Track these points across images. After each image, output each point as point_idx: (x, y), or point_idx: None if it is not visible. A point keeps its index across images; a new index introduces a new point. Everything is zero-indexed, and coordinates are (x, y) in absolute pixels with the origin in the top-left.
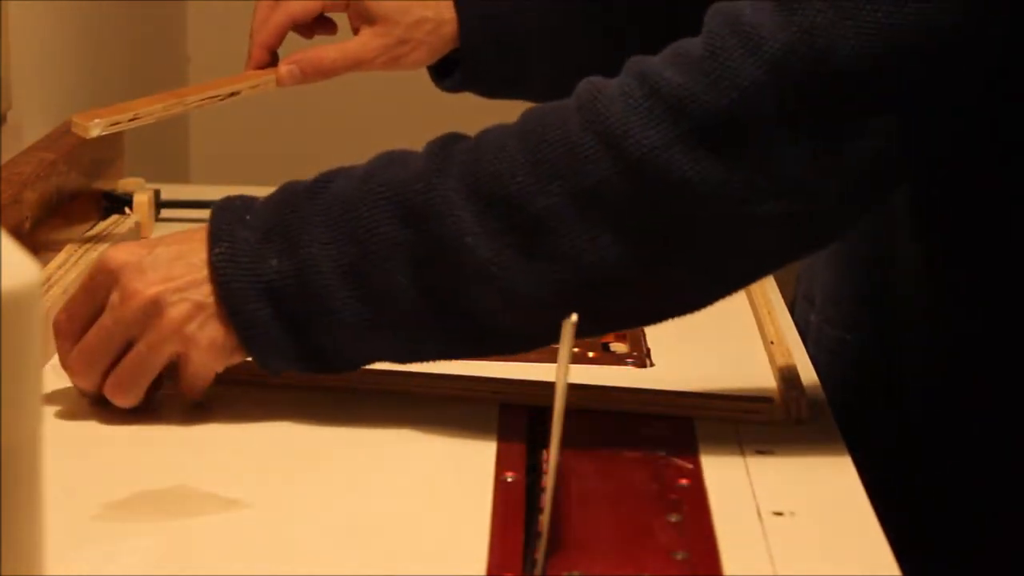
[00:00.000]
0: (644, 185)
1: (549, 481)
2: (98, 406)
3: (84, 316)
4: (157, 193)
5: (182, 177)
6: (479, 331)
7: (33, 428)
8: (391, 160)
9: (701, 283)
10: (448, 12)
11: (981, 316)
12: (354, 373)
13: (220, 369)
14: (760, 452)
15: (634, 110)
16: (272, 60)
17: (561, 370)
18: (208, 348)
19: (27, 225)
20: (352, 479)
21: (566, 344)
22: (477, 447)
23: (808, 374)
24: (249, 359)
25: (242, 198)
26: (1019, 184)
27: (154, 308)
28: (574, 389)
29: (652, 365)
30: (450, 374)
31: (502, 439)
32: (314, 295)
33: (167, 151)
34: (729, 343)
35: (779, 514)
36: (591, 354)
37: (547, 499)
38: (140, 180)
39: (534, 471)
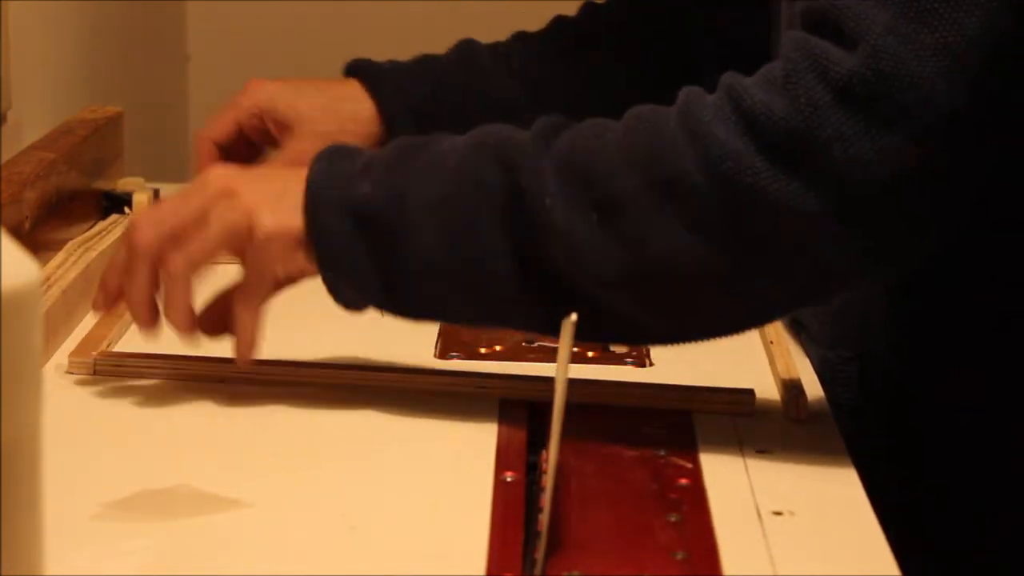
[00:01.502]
0: (721, 186)
1: (549, 481)
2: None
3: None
4: (157, 193)
5: (182, 177)
6: (547, 296)
7: (33, 427)
8: (503, 125)
9: (763, 293)
10: (363, 99)
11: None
12: (354, 373)
13: (281, 275)
14: (760, 452)
15: (722, 118)
16: None
17: (561, 370)
18: (281, 248)
19: (27, 225)
20: (352, 479)
21: (566, 344)
22: (477, 447)
23: (808, 374)
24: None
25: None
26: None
27: (237, 199)
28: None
29: (651, 364)
30: (450, 371)
31: (502, 439)
32: (399, 223)
33: (167, 151)
34: (729, 343)
35: (779, 514)
36: (591, 353)
37: (547, 499)
38: (140, 180)
39: (534, 471)
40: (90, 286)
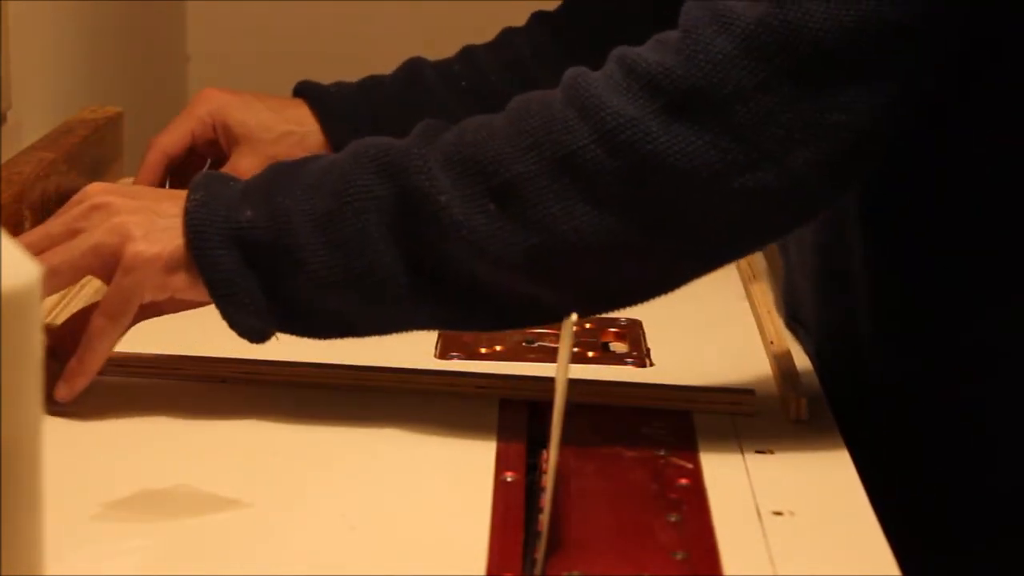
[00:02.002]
0: (619, 156)
1: (549, 481)
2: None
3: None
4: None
5: None
6: (449, 293)
7: (33, 427)
8: (380, 136)
9: (676, 258)
10: (310, 123)
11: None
12: (354, 373)
13: (148, 299)
14: (760, 452)
15: (613, 88)
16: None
17: (561, 370)
18: (152, 272)
19: (27, 225)
20: (352, 479)
21: (566, 344)
22: (477, 447)
23: (808, 374)
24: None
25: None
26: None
27: (110, 219)
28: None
29: (652, 365)
30: (450, 371)
31: (502, 439)
32: (288, 245)
33: None
34: (729, 343)
35: (779, 514)
36: (591, 353)
37: (547, 499)
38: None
39: (534, 471)
40: None
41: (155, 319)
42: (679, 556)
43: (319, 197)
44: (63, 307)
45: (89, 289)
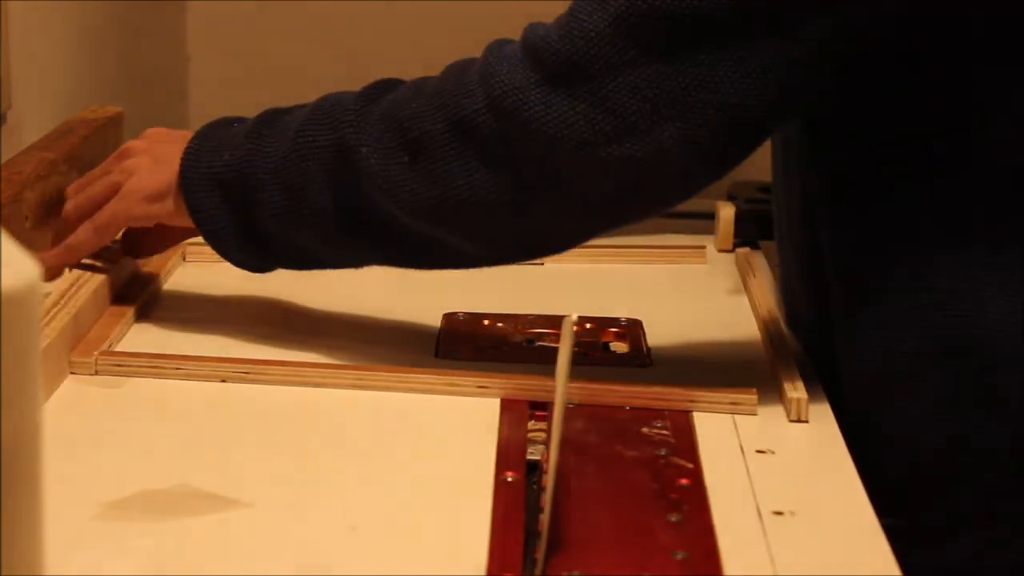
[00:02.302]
0: (504, 121)
1: (549, 481)
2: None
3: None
4: None
5: None
6: (377, 235)
7: (33, 427)
8: (345, 91)
9: (557, 217)
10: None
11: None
12: (354, 373)
13: (139, 216)
14: (760, 452)
15: (507, 58)
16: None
17: (561, 370)
18: (141, 198)
19: (27, 225)
20: (352, 479)
21: (566, 344)
22: (477, 447)
23: (808, 374)
24: (243, 364)
25: (239, 118)
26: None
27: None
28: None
29: (652, 365)
30: (450, 371)
31: (502, 439)
32: (251, 185)
33: None
34: (729, 343)
35: (779, 514)
36: (591, 354)
37: (547, 499)
38: None
39: (534, 471)
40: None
41: (156, 322)
42: (679, 556)
43: (279, 144)
44: (62, 305)
45: (87, 290)
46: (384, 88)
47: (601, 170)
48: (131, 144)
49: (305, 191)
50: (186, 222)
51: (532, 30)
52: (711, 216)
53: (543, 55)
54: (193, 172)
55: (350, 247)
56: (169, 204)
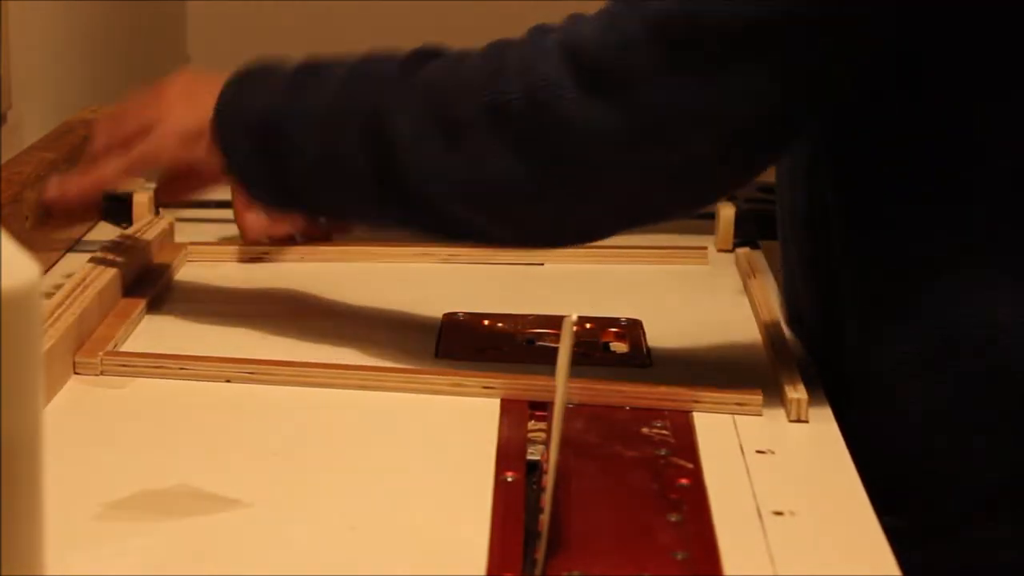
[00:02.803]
0: (539, 114)
1: (549, 481)
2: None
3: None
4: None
5: None
6: (406, 203)
7: (34, 427)
8: (390, 50)
9: (586, 210)
10: None
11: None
12: (354, 373)
13: (168, 161)
14: (760, 452)
15: (547, 51)
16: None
17: (561, 370)
18: (177, 140)
19: (27, 225)
20: (352, 479)
21: (566, 344)
22: (477, 447)
23: (808, 374)
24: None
25: (277, 61)
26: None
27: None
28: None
29: (652, 365)
30: (450, 371)
31: (502, 439)
32: (285, 136)
33: None
34: (729, 343)
35: (779, 514)
36: (591, 354)
37: (547, 499)
38: (140, 180)
39: (534, 471)
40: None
41: (161, 323)
42: (679, 556)
43: (320, 96)
44: (67, 306)
45: (92, 291)
46: (427, 57)
47: (631, 173)
48: (166, 82)
49: (338, 150)
50: (214, 168)
51: (572, 28)
52: (711, 216)
53: (581, 58)
54: (228, 117)
55: (375, 210)
56: (201, 147)
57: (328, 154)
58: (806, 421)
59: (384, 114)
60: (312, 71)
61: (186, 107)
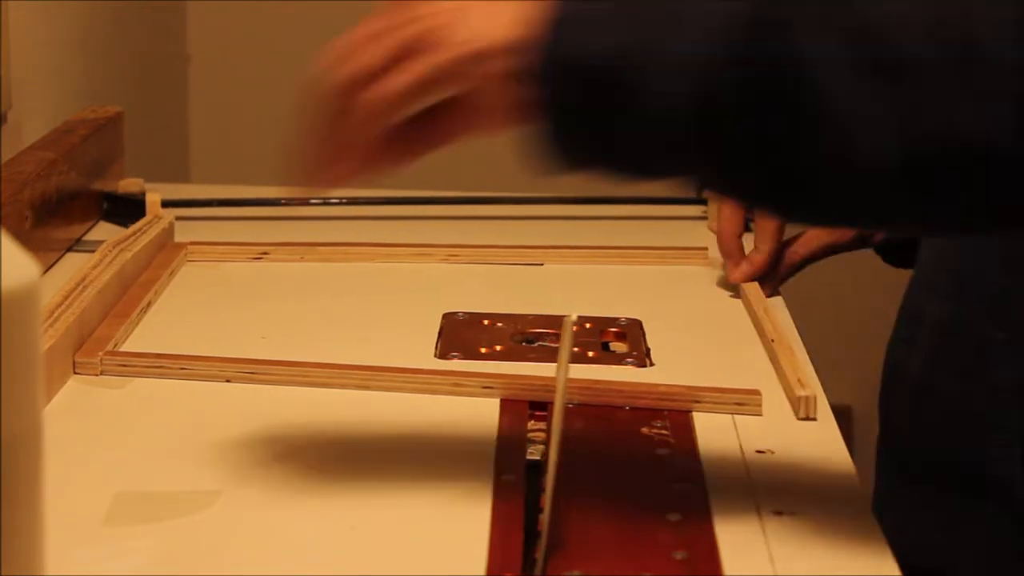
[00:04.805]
0: None
1: (549, 481)
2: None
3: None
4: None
5: (182, 177)
6: (805, 178)
7: (34, 427)
8: None
9: None
10: None
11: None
12: (354, 372)
13: (458, 82)
14: (760, 452)
15: None
16: None
17: (561, 370)
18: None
19: (27, 225)
20: (352, 479)
21: (566, 344)
22: (477, 447)
23: (810, 372)
24: (248, 364)
25: None
26: None
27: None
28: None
29: (652, 365)
30: (450, 371)
31: (502, 439)
32: (636, 88)
33: (167, 151)
34: (729, 342)
35: (779, 514)
36: (591, 353)
37: (547, 499)
38: (140, 180)
39: (534, 471)
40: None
41: (161, 322)
42: (679, 556)
43: (688, 33)
44: (67, 306)
45: (91, 290)
46: None
47: None
48: None
49: (717, 109)
50: (504, 105)
51: None
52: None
53: None
54: (556, 49)
55: (738, 176)
56: (497, 65)
57: (697, 117)
58: (815, 419)
59: (791, 59)
60: (660, 11)
61: (486, 21)
